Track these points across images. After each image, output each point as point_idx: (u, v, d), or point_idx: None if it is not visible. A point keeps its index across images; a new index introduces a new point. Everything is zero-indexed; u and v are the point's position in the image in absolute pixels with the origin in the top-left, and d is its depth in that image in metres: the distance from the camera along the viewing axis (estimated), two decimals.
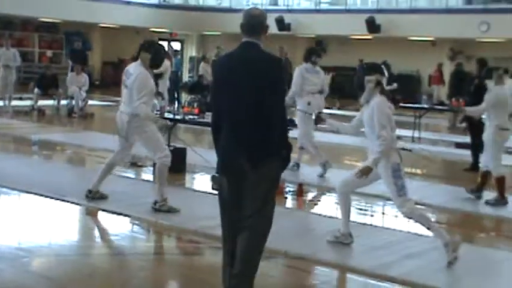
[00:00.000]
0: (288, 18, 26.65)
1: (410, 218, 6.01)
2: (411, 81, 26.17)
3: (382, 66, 6.22)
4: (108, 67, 29.71)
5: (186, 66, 32.90)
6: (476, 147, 10.29)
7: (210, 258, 6.19)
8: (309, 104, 9.77)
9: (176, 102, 18.10)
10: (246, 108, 4.32)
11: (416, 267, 5.77)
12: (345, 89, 26.96)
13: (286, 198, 8.48)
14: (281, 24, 26.88)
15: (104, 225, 7.12)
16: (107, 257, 6.13)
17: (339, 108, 23.23)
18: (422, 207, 7.21)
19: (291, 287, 4.46)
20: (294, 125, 9.28)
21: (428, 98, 16.04)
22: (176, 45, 31.10)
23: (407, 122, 14.89)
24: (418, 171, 11.31)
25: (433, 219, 6.16)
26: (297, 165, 9.94)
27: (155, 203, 7.15)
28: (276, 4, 29.01)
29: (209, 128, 11.73)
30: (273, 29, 29.63)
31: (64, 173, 9.51)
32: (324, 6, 28.49)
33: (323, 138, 14.20)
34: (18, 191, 7.96)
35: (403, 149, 6.22)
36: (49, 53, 28.30)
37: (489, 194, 8.57)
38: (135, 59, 7.27)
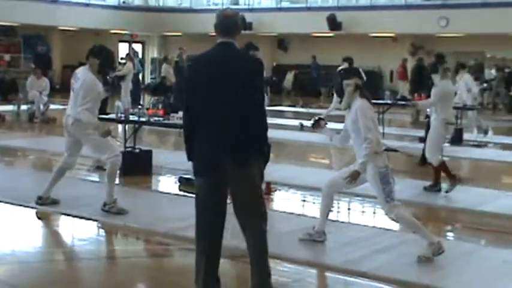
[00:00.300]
0: (249, 17, 26.62)
1: (397, 222, 6.03)
2: (373, 77, 26.36)
3: (360, 70, 6.18)
4: (68, 70, 29.26)
5: (148, 67, 32.72)
6: None
7: (180, 260, 6.15)
8: None
9: (139, 104, 17.99)
10: (227, 108, 4.29)
11: (386, 262, 5.79)
12: (307, 87, 27.18)
13: None
14: (242, 23, 26.80)
15: (70, 230, 7.01)
16: (73, 262, 6.04)
17: (302, 106, 23.36)
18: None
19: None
20: None
21: (391, 93, 16.15)
22: (137, 47, 30.90)
23: None
24: None
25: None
26: None
27: (104, 204, 7.06)
28: (237, 3, 28.98)
29: (174, 130, 11.70)
30: None
31: (27, 179, 9.36)
32: (285, 4, 28.57)
33: (291, 136, 14.31)
34: None
35: (390, 149, 6.36)
36: (7, 57, 27.90)
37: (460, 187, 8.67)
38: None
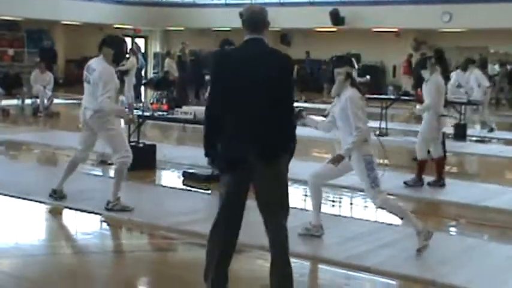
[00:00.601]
0: None
1: (383, 209, 6.05)
2: (376, 73, 26.41)
3: (352, 59, 6.21)
4: (71, 65, 29.37)
5: (150, 62, 32.73)
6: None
7: (184, 254, 6.18)
8: None
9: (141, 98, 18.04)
10: (257, 105, 4.24)
11: (389, 257, 5.81)
12: (310, 82, 27.15)
13: None
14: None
15: (75, 224, 7.03)
16: (77, 255, 6.06)
17: (305, 101, 23.36)
18: (393, 196, 7.26)
19: (267, 281, 4.46)
20: None
21: (394, 88, 16.15)
22: (140, 42, 30.90)
23: (374, 113, 14.96)
24: (386, 161, 11.37)
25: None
26: None
27: (108, 203, 7.02)
28: None
29: (178, 124, 11.69)
30: (237, 23, 29.63)
31: (31, 173, 9.39)
32: None
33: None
34: None
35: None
36: (11, 51, 27.88)
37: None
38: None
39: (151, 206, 7.35)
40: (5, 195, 7.67)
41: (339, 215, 7.35)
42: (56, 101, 17.53)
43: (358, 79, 9.10)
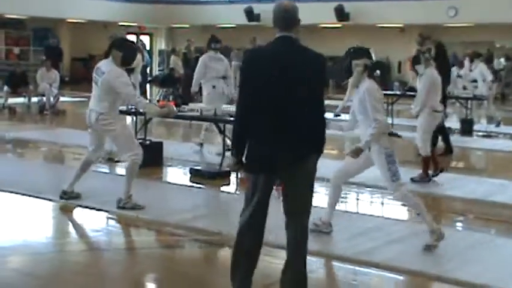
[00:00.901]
0: (257, 8, 26.62)
1: (402, 202, 6.05)
2: (381, 68, 26.35)
3: (370, 50, 6.19)
4: (77, 63, 29.43)
5: (155, 59, 32.75)
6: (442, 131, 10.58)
7: (192, 251, 6.20)
8: (214, 87, 10.78)
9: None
10: (292, 103, 4.17)
11: (398, 253, 5.82)
12: None
13: None
14: (250, 15, 26.84)
15: (83, 222, 7.05)
16: (86, 252, 6.08)
17: None
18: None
19: (276, 277, 4.46)
20: None
21: (399, 84, 16.13)
22: (145, 39, 30.92)
23: None
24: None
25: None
26: (201, 145, 11.05)
27: (119, 201, 7.03)
28: None
29: (184, 121, 11.70)
30: (242, 20, 29.70)
31: (39, 170, 9.43)
32: None
33: None
34: None
35: (393, 134, 6.34)
36: (16, 50, 27.94)
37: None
38: (106, 55, 7.17)
39: (159, 203, 7.37)
40: (14, 192, 7.70)
41: (347, 211, 7.35)
42: (62, 99, 17.56)
43: None
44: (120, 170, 9.44)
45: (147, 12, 29.49)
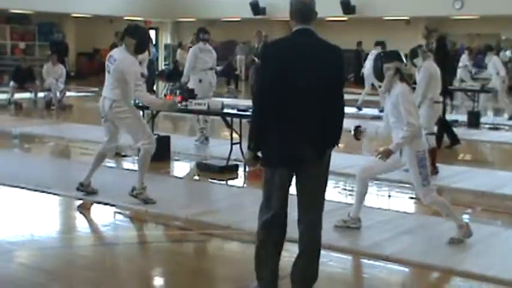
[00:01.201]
0: (262, 2, 26.54)
1: (432, 206, 6.06)
2: None
3: (400, 53, 6.13)
4: (83, 57, 29.43)
5: (161, 54, 32.74)
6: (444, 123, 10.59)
7: (200, 245, 6.19)
8: (200, 81, 10.79)
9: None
10: (312, 96, 4.14)
11: (409, 245, 5.82)
12: None
13: None
14: (256, 8, 26.77)
15: (91, 216, 7.05)
16: (94, 247, 6.07)
17: None
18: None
19: (287, 271, 4.46)
20: None
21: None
22: (151, 33, 30.90)
23: None
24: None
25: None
26: (206, 139, 11.08)
27: (133, 189, 7.03)
28: None
29: (191, 115, 11.71)
30: (247, 13, 29.63)
31: (46, 165, 9.44)
32: None
33: None
34: (2, 185, 7.88)
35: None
36: (22, 45, 27.92)
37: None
38: (113, 46, 7.13)
39: (167, 197, 7.36)
40: (21, 187, 7.71)
41: None
42: (68, 93, 17.57)
43: None
44: (128, 164, 9.47)
45: (152, 7, 29.45)
